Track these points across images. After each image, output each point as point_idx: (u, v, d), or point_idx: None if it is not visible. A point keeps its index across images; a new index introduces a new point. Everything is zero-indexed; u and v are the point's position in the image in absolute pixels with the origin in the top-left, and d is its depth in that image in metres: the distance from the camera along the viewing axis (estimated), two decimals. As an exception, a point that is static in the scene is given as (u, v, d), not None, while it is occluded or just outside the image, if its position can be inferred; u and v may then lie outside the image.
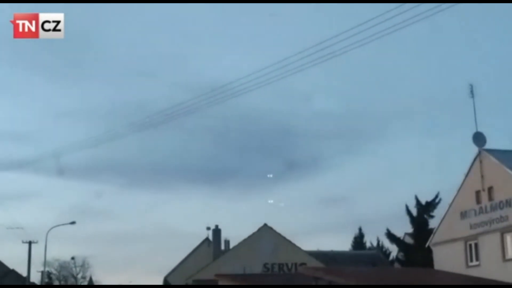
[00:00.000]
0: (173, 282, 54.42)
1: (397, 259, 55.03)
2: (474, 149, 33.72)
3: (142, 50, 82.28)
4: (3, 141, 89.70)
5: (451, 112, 75.64)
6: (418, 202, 50.58)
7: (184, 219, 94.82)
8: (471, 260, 33.89)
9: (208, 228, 52.63)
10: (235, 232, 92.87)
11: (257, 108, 72.56)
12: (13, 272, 61.72)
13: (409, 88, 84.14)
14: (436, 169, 79.49)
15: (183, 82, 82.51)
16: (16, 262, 76.56)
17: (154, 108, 57.54)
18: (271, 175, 55.07)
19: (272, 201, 52.00)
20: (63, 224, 53.04)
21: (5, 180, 79.19)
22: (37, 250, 53.16)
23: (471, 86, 33.70)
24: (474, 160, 33.88)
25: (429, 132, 79.99)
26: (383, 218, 78.61)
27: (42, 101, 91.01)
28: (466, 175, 34.52)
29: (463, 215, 34.51)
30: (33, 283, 60.90)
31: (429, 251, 38.17)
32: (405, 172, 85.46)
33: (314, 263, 42.57)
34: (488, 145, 33.62)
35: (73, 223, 53.17)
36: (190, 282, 45.29)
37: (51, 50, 76.51)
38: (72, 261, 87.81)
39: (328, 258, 46.90)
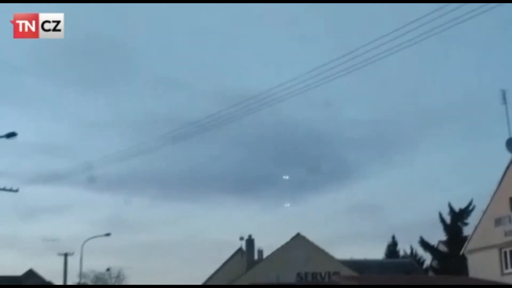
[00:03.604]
0: (207, 292, 54.73)
1: (431, 267, 54.62)
2: (508, 156, 33.53)
3: (173, 60, 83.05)
4: (38, 154, 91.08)
5: (484, 119, 74.85)
6: (451, 210, 50.32)
7: (217, 229, 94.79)
8: (507, 268, 33.62)
9: (241, 238, 52.82)
10: (268, 242, 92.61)
11: (290, 117, 72.57)
12: (50, 285, 62.61)
13: (440, 96, 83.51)
14: (469, 176, 78.59)
15: (216, 92, 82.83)
16: (53, 274, 77.67)
17: (186, 119, 57.83)
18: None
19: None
20: (98, 236, 53.75)
21: (40, 193, 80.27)
22: (73, 262, 53.75)
23: (504, 92, 33.57)
24: (508, 166, 33.66)
25: (462, 139, 79.28)
26: (416, 226, 77.66)
27: (74, 114, 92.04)
28: (500, 182, 34.28)
29: (498, 222, 34.24)
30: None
31: (463, 258, 37.89)
32: (438, 179, 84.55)
33: (347, 272, 42.49)
34: (521, 151, 33.41)
35: (108, 234, 53.81)
36: (224, 292, 45.59)
37: (82, 62, 77.92)
38: (108, 272, 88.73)
39: (361, 266, 46.76)
